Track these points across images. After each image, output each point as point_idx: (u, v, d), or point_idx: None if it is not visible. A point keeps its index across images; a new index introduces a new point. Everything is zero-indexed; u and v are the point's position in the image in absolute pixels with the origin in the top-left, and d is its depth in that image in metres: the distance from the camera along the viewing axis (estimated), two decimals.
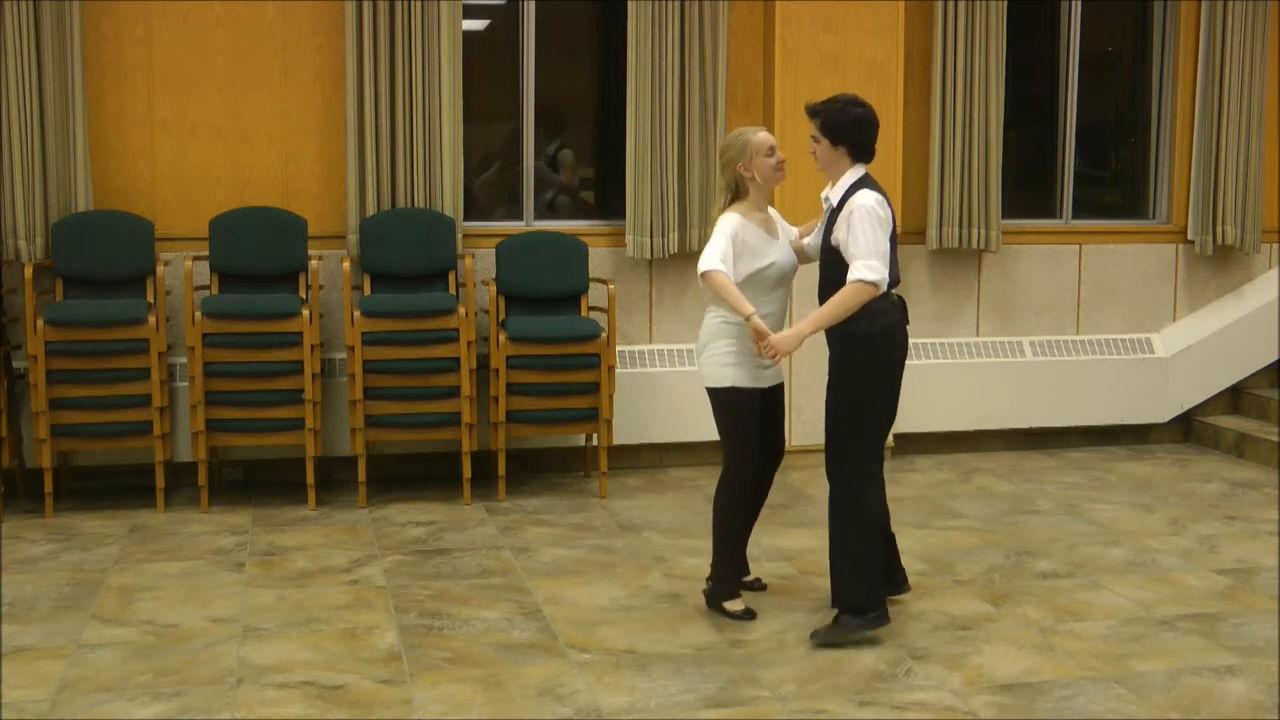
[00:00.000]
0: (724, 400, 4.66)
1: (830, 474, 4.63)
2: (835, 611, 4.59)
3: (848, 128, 4.57)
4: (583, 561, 5.38)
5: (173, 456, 6.23)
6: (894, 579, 4.85)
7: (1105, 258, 7.67)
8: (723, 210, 4.69)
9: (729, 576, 4.81)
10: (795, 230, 4.93)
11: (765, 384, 4.71)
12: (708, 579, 4.87)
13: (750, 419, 4.68)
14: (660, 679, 4.18)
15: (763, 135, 4.67)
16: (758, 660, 4.35)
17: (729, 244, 4.54)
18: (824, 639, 4.51)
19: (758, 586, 5.01)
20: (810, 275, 4.84)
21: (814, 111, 4.63)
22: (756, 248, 4.60)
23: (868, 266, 4.42)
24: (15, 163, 6.12)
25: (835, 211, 4.54)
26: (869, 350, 4.53)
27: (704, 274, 4.51)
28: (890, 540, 4.83)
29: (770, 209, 4.79)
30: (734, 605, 4.76)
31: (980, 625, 4.69)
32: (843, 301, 4.44)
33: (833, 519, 4.60)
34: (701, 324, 4.74)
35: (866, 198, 4.47)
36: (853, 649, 4.44)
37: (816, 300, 4.62)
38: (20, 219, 6.15)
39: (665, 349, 7.03)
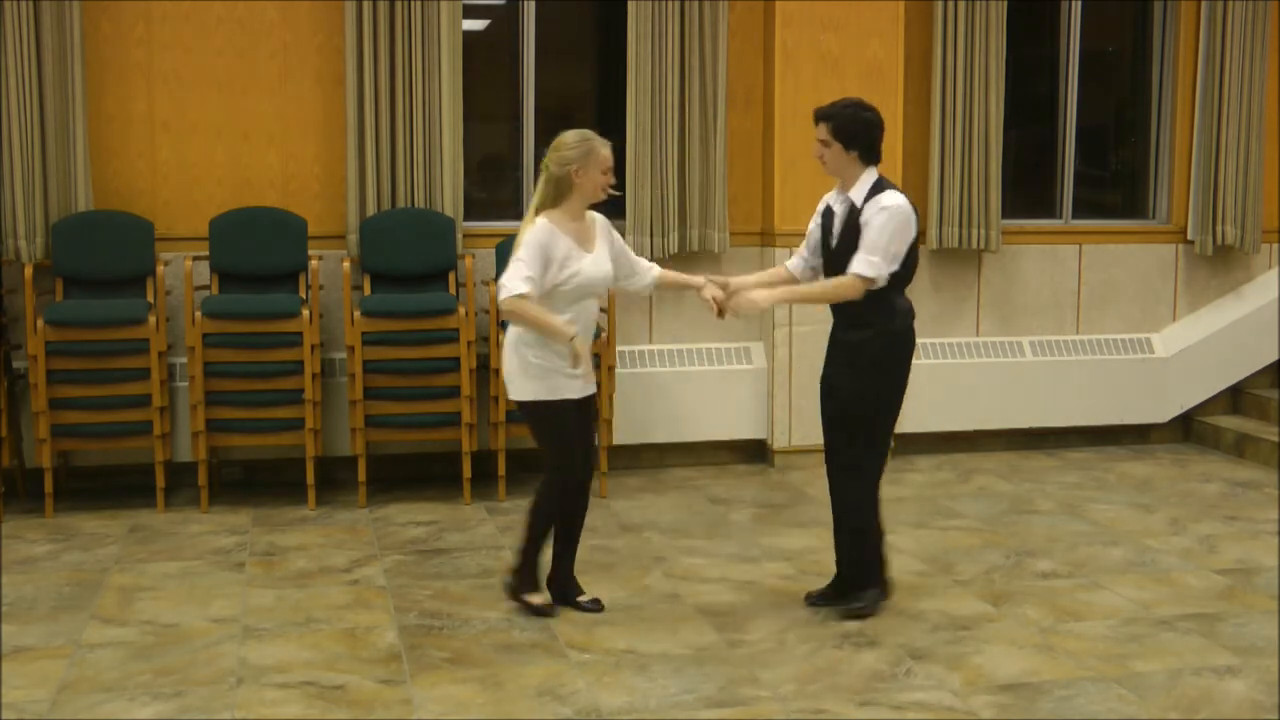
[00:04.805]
0: (531, 413, 4.64)
1: (842, 464, 4.72)
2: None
3: (860, 131, 4.60)
4: (583, 561, 5.36)
5: (173, 456, 6.23)
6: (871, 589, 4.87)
7: (1105, 258, 7.67)
8: (536, 209, 4.58)
9: (529, 572, 4.76)
10: (620, 242, 4.75)
11: (576, 394, 4.59)
12: (509, 570, 4.87)
13: (562, 429, 4.63)
14: (660, 679, 4.18)
15: (608, 151, 4.59)
16: (758, 660, 4.35)
17: (533, 257, 4.43)
18: (856, 611, 4.74)
19: (592, 607, 4.80)
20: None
21: (824, 115, 4.63)
22: (562, 259, 4.50)
23: (868, 263, 4.49)
24: (15, 163, 6.12)
25: (857, 211, 4.59)
26: (895, 347, 4.66)
27: (503, 302, 4.44)
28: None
29: (595, 217, 4.68)
30: (535, 598, 4.76)
31: (980, 625, 4.69)
32: (833, 289, 4.54)
33: (846, 507, 4.76)
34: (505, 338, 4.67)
35: (899, 198, 4.57)
36: (852, 649, 4.44)
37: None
38: (20, 219, 6.15)
39: (665, 349, 7.03)
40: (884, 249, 4.51)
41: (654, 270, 4.89)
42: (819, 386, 4.82)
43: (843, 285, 4.53)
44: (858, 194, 4.61)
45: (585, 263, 4.54)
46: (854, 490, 4.73)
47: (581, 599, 4.83)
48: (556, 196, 4.56)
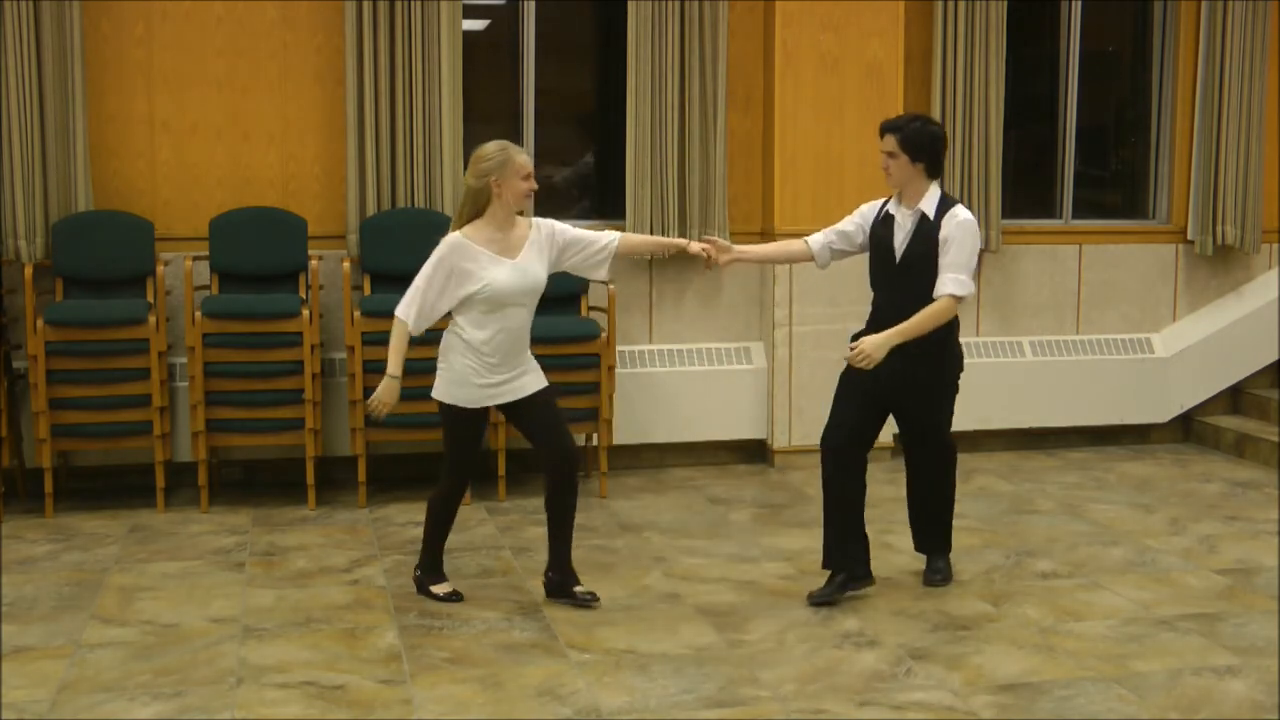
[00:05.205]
0: (441, 414, 4.77)
1: (936, 458, 5.06)
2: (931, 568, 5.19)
3: (927, 144, 4.72)
4: (583, 561, 5.37)
5: (173, 456, 6.23)
6: (861, 572, 4.96)
7: (1105, 258, 7.67)
8: (455, 222, 4.71)
9: (431, 563, 4.96)
10: (570, 236, 4.79)
11: (498, 401, 4.73)
12: (415, 568, 5.03)
13: (463, 437, 4.79)
14: (660, 679, 4.18)
15: (525, 158, 4.65)
16: (758, 660, 4.35)
17: (430, 280, 4.60)
18: (947, 576, 5.13)
19: (586, 598, 4.85)
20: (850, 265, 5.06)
21: (892, 127, 4.76)
22: (472, 271, 4.59)
23: (959, 282, 4.64)
24: (15, 163, 6.12)
25: (931, 224, 4.70)
26: (957, 356, 4.90)
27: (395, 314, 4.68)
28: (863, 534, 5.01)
29: (535, 223, 4.75)
30: (441, 588, 4.92)
31: (980, 625, 4.69)
32: (935, 316, 4.66)
33: (943, 491, 5.12)
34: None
35: (968, 214, 4.72)
36: (852, 649, 4.44)
37: (870, 287, 4.88)
38: (20, 219, 6.15)
39: (665, 349, 7.03)
40: (967, 266, 4.68)
41: (613, 242, 4.87)
42: (847, 381, 4.87)
43: (941, 310, 4.67)
44: (928, 206, 4.72)
45: (500, 273, 4.61)
46: (947, 466, 5.08)
47: (578, 589, 4.87)
48: (477, 209, 4.66)
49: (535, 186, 4.70)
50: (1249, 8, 7.51)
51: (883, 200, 4.91)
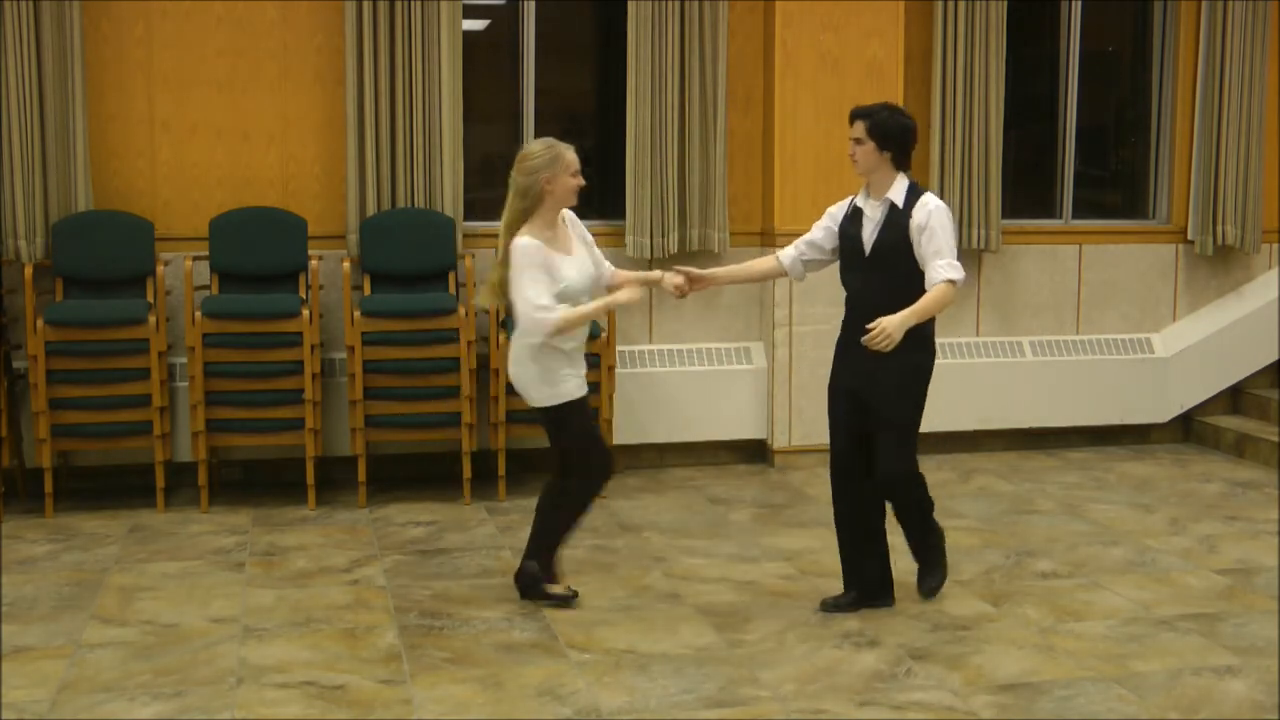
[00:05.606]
0: (555, 419, 4.71)
1: (894, 473, 4.74)
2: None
3: (897, 134, 4.62)
4: (583, 561, 5.38)
5: (173, 456, 6.23)
6: (879, 592, 4.88)
7: (1105, 258, 7.67)
8: (510, 225, 4.61)
9: (551, 564, 4.87)
10: (590, 236, 4.82)
11: (584, 393, 4.76)
12: (527, 565, 4.87)
13: (589, 425, 4.80)
14: (660, 679, 4.18)
15: (574, 155, 4.62)
16: (758, 660, 4.35)
17: (536, 279, 4.50)
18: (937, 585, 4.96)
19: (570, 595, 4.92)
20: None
21: (862, 114, 4.65)
22: (552, 271, 4.56)
23: (951, 266, 4.55)
24: (15, 163, 6.13)
25: (900, 212, 4.60)
26: (930, 352, 4.73)
27: (549, 328, 4.52)
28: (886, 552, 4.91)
29: (567, 215, 4.73)
30: (557, 588, 4.85)
31: (980, 625, 4.69)
32: (940, 300, 4.55)
33: (911, 516, 4.90)
34: (511, 351, 4.72)
35: (939, 200, 4.63)
36: (852, 649, 4.44)
37: (844, 291, 4.76)
38: (20, 219, 6.15)
39: (665, 349, 7.03)
40: (952, 250, 4.59)
41: (610, 271, 4.88)
42: (832, 391, 4.80)
43: (944, 295, 4.53)
44: (897, 196, 4.62)
45: (569, 269, 4.61)
46: (913, 482, 4.85)
47: (554, 589, 4.90)
48: (527, 209, 4.60)
49: (583, 183, 4.66)
50: (1249, 8, 7.51)
51: (849, 198, 4.81)
